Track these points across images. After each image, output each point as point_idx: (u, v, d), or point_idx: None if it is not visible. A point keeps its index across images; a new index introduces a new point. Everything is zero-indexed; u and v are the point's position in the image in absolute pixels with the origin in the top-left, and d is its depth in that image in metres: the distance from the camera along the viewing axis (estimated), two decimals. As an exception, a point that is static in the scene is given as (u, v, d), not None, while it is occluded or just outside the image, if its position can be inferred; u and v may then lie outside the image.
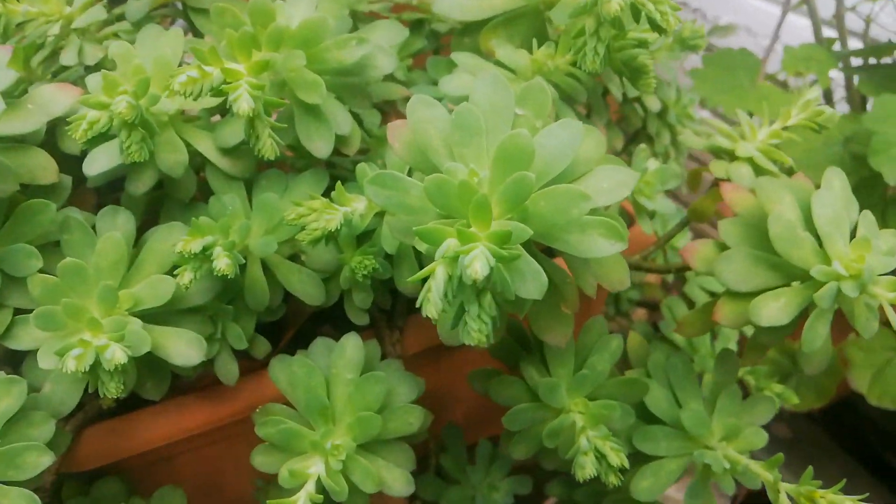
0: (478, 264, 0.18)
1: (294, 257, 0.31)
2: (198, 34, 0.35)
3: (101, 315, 0.26)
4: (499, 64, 0.31)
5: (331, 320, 0.36)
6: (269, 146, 0.26)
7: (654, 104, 0.44)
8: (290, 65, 0.27)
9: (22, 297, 0.27)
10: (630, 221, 0.43)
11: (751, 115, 0.38)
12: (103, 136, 0.27)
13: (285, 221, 0.27)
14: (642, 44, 0.29)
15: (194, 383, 0.35)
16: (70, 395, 0.27)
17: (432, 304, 0.19)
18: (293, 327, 0.35)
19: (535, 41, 0.31)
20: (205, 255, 0.26)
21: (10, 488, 0.24)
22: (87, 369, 0.24)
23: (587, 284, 0.25)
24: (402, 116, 0.25)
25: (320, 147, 0.29)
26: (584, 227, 0.22)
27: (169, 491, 0.35)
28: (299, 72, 0.28)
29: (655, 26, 0.26)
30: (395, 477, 0.29)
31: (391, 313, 0.34)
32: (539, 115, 0.24)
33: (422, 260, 0.30)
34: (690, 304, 0.54)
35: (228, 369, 0.31)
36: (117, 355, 0.24)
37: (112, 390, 0.25)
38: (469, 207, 0.21)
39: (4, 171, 0.26)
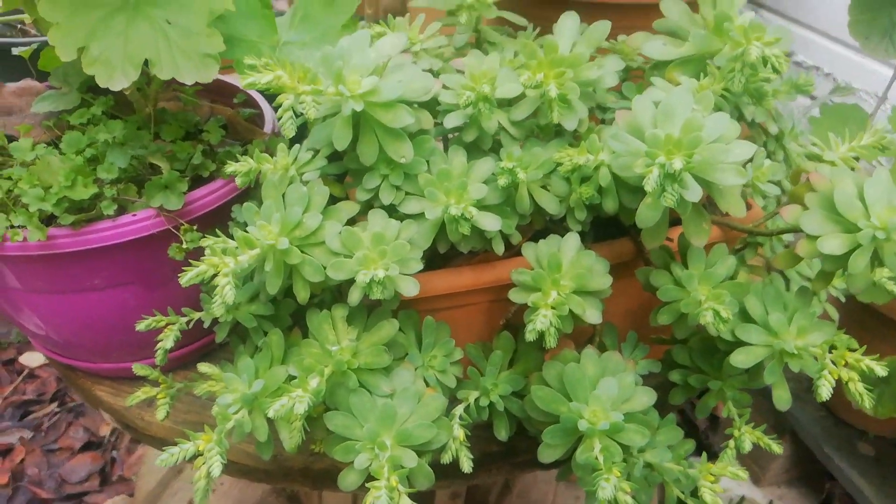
0: (677, 162, 0.40)
1: (543, 186, 0.53)
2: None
3: (457, 201, 0.49)
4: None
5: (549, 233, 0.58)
6: (556, 116, 0.49)
7: (773, 128, 0.64)
8: (564, 77, 0.50)
9: (410, 186, 0.51)
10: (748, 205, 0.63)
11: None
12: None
13: (553, 160, 0.50)
14: (766, 80, 0.50)
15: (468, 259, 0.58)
16: (426, 238, 0.51)
17: (651, 187, 0.41)
18: (526, 236, 0.58)
19: (701, 75, 0.53)
20: (511, 173, 0.49)
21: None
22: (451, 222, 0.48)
23: (726, 204, 0.46)
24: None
25: (570, 124, 0.52)
26: (725, 167, 0.43)
27: (434, 323, 0.57)
28: (568, 81, 0.51)
29: (774, 69, 0.47)
30: (592, 312, 0.50)
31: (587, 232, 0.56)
32: (706, 110, 0.46)
33: (621, 195, 0.52)
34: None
35: (499, 247, 0.54)
36: (469, 213, 0.47)
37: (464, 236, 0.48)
38: (666, 147, 0.42)
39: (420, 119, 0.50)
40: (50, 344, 0.75)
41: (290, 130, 0.44)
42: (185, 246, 0.59)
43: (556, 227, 0.57)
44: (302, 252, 0.48)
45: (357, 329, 0.51)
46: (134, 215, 0.59)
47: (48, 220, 0.58)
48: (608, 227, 0.59)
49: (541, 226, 0.57)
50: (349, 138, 0.48)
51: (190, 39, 0.56)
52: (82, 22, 0.54)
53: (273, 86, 0.43)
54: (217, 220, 0.64)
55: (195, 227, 0.61)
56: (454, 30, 0.66)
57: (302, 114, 0.45)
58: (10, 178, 0.61)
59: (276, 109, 0.78)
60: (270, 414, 0.43)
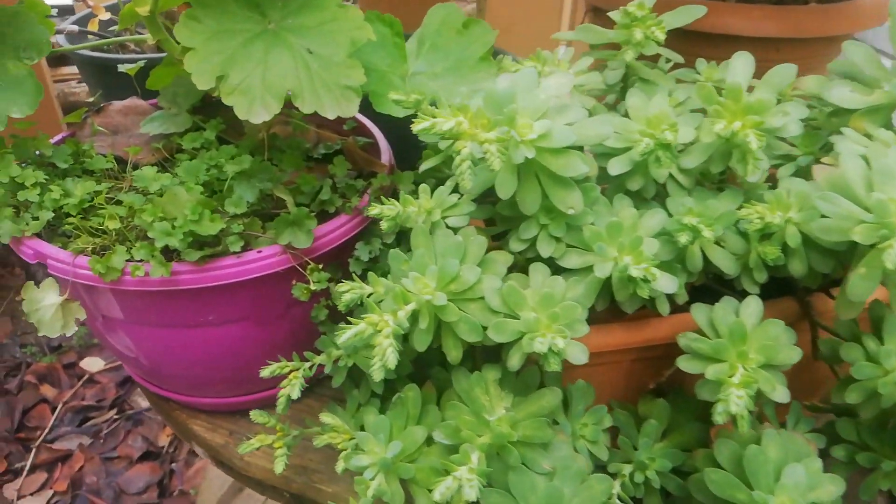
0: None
1: (716, 242, 0.48)
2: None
3: (635, 260, 0.44)
4: (868, 137, 0.48)
5: (709, 291, 0.53)
6: (750, 170, 0.44)
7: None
8: (749, 123, 0.45)
9: (573, 238, 0.47)
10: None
11: None
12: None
13: (737, 215, 0.45)
14: None
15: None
16: (590, 297, 0.46)
17: (893, 263, 0.35)
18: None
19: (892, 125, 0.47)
20: (693, 230, 0.44)
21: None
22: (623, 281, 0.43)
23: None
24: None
25: (755, 177, 0.47)
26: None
27: (585, 386, 0.53)
28: (752, 128, 0.45)
29: None
30: (782, 390, 0.45)
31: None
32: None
33: (810, 257, 0.46)
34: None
35: (664, 307, 0.49)
36: (652, 275, 0.42)
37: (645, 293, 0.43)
38: (900, 217, 0.37)
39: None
40: (143, 372, 0.72)
41: (468, 182, 0.40)
42: (312, 287, 0.55)
43: (715, 282, 0.52)
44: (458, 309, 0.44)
45: (509, 394, 0.46)
46: (259, 252, 0.55)
47: (167, 253, 0.55)
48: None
49: (700, 282, 0.52)
50: (515, 185, 0.44)
51: (331, 70, 0.52)
52: (220, 48, 0.51)
53: (452, 133, 0.39)
54: (337, 257, 0.60)
55: (321, 266, 0.57)
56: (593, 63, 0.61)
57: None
58: (121, 203, 0.58)
59: (387, 139, 0.74)
60: (437, 497, 0.38)
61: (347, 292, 0.49)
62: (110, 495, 1.54)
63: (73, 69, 1.81)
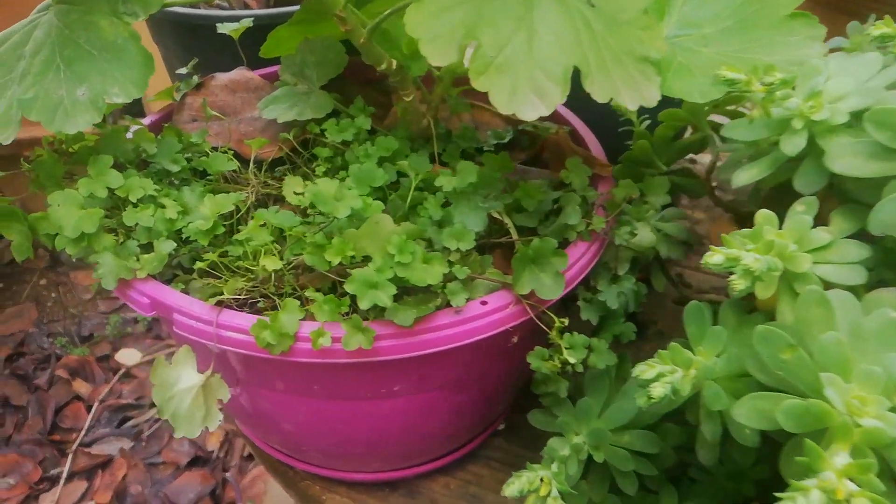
0: None
1: None
2: None
3: None
4: None
5: None
6: None
7: None
8: None
9: None
10: None
11: None
12: None
13: None
14: None
15: None
16: None
17: None
18: None
19: None
20: None
21: None
22: None
23: None
24: None
25: None
26: None
27: None
28: None
29: None
30: None
31: None
32: None
33: None
34: None
35: None
36: None
37: None
38: None
39: None
40: (268, 437, 0.55)
41: None
42: (568, 358, 0.38)
43: None
44: (910, 437, 0.26)
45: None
46: (484, 303, 0.37)
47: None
48: None
49: None
50: None
51: (619, 34, 0.33)
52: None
53: None
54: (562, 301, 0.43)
55: (566, 322, 0.39)
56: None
57: None
58: (264, 226, 0.41)
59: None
60: None
61: (656, 381, 0.32)
62: (159, 508, 1.40)
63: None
